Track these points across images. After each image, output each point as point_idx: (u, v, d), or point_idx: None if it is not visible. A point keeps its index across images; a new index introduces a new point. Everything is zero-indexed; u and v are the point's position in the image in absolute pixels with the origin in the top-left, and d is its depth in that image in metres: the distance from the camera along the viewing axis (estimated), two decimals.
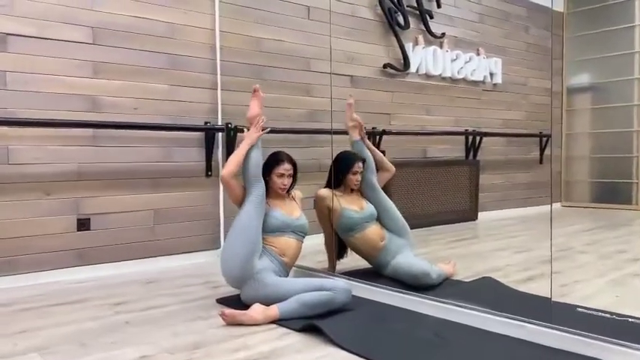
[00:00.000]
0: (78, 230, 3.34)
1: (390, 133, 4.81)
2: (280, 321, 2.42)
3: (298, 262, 3.16)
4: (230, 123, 3.86)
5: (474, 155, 5.59)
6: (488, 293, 2.82)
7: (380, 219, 3.20)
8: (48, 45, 3.22)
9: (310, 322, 2.30)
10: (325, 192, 3.15)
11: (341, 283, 2.56)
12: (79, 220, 3.34)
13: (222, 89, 3.87)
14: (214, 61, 3.86)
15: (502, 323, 2.27)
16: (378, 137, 4.77)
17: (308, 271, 3.18)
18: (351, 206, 3.11)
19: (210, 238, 3.86)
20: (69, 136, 3.30)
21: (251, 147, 2.75)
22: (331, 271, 3.25)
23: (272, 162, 2.84)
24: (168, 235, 3.67)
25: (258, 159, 2.78)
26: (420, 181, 5.13)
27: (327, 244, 3.26)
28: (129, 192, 3.53)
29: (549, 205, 6.20)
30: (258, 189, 2.71)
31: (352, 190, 3.20)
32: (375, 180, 3.23)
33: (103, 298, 2.86)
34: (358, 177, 3.15)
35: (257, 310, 2.44)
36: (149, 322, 2.46)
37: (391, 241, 3.14)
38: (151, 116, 3.60)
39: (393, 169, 3.34)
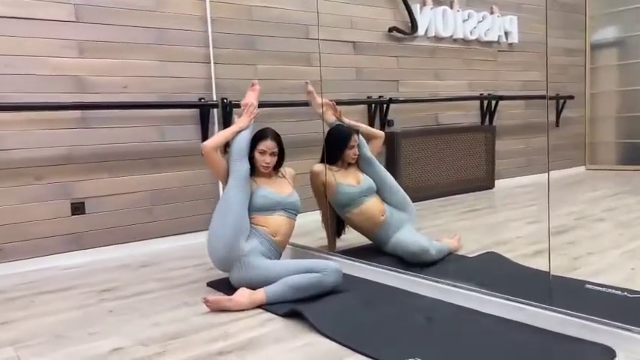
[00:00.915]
0: (72, 215, 3.28)
1: (398, 101, 4.60)
2: (267, 305, 2.31)
3: (296, 240, 3.05)
4: (225, 98, 3.72)
5: (490, 120, 5.33)
6: (490, 270, 2.65)
7: (379, 193, 3.04)
8: (29, 25, 3.11)
9: (293, 308, 2.18)
10: (319, 167, 3.00)
11: (331, 264, 2.42)
12: (72, 204, 3.28)
13: (215, 63, 3.71)
14: (206, 33, 3.70)
15: (500, 305, 2.11)
16: (385, 106, 4.57)
17: (303, 250, 3.06)
18: (346, 181, 2.96)
19: (210, 218, 3.74)
20: (57, 119, 3.21)
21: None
22: (331, 249, 3.13)
23: (256, 138, 2.72)
24: (166, 216, 3.59)
25: (244, 139, 2.67)
26: (432, 149, 4.92)
27: (324, 221, 3.13)
28: (124, 174, 3.44)
29: (571, 169, 5.94)
30: (241, 167, 2.59)
31: (350, 165, 3.04)
32: (370, 153, 3.06)
33: (92, 284, 2.80)
34: (355, 150, 2.99)
35: (243, 295, 2.33)
36: (133, 310, 2.38)
37: (392, 215, 2.99)
38: (142, 94, 3.48)
39: (382, 133, 3.19)
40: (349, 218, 3.01)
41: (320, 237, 3.26)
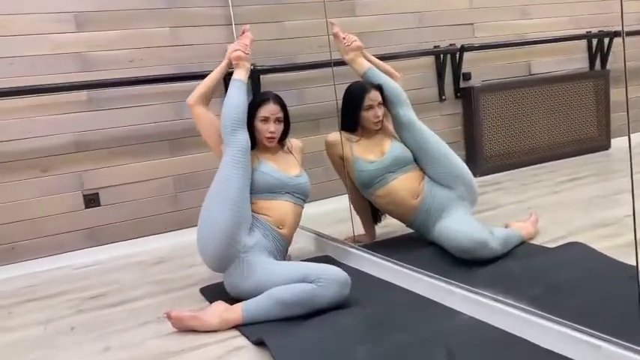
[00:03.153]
0: (86, 207, 2.97)
1: (472, 48, 3.76)
2: (245, 326, 1.78)
3: (335, 229, 2.56)
4: (253, 64, 3.17)
5: (602, 64, 4.25)
6: (566, 273, 1.86)
7: (423, 165, 2.34)
8: (19, 1, 2.79)
9: (261, 336, 1.61)
10: (334, 137, 2.38)
11: (331, 272, 1.80)
12: (85, 196, 2.97)
13: (236, 24, 3.18)
14: None
15: (562, 336, 1.38)
16: (457, 56, 3.76)
17: (326, 240, 2.48)
18: (365, 154, 2.31)
19: None
20: (60, 102, 2.89)
21: (236, 85, 2.18)
22: (369, 238, 2.51)
23: (254, 104, 2.18)
24: (191, 204, 3.15)
25: (241, 104, 2.11)
26: (524, 106, 4.01)
27: (352, 203, 2.51)
28: (141, 159, 3.07)
29: None
30: (241, 137, 2.04)
31: (377, 132, 2.37)
32: (411, 113, 2.34)
33: (88, 288, 2.44)
34: (376, 112, 2.30)
35: (214, 312, 1.82)
36: (99, 325, 1.98)
37: (433, 195, 2.27)
38: (154, 68, 3.06)
39: (398, 75, 2.45)
40: (375, 201, 2.37)
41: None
